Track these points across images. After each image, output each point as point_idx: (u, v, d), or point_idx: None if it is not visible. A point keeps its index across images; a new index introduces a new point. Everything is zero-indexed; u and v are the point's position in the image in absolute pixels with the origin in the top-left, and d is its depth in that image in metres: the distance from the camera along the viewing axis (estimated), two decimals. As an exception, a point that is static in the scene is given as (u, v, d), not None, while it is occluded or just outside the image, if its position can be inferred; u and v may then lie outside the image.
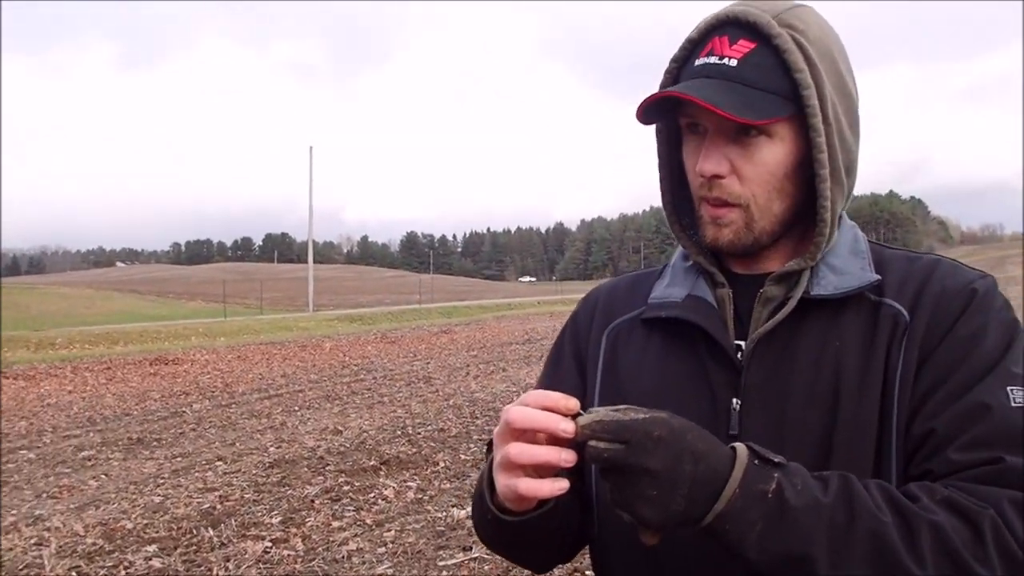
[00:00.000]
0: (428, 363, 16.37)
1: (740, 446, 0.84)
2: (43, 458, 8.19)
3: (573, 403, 0.84)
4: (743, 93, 0.94)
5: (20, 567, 4.94)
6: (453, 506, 5.91)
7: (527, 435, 0.86)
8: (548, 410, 0.84)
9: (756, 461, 0.83)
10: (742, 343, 1.01)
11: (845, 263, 1.02)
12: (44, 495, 6.74)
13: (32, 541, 5.42)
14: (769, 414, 0.97)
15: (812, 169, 0.97)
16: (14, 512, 6.20)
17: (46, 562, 4.94)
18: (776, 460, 0.84)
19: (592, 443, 0.81)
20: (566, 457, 0.84)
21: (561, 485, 0.85)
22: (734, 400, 0.99)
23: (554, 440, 0.84)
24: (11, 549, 5.27)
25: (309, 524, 5.67)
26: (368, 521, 5.71)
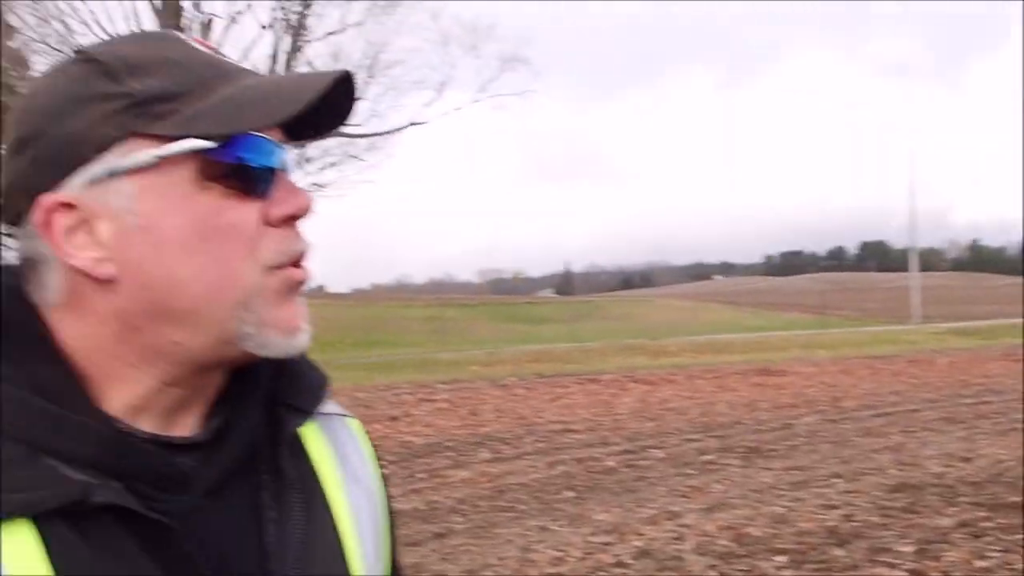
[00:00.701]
0: (1069, 386, 14.04)
1: None
2: (671, 458, 8.89)
3: None
4: None
5: (664, 558, 5.37)
6: None
7: None
8: None
9: None
10: None
11: None
12: (675, 493, 7.28)
13: (672, 535, 5.86)
14: None
15: None
16: (653, 506, 6.80)
17: (686, 556, 5.29)
18: None
19: None
20: None
21: None
22: None
23: None
24: (654, 540, 5.77)
25: (947, 559, 5.18)
26: (1020, 567, 5.00)
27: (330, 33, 19.77)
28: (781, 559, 5.26)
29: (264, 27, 18.23)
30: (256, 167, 0.73)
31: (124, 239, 0.71)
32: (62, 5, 18.13)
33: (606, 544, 5.77)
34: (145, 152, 0.70)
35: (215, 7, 18.31)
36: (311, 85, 0.72)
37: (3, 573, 0.64)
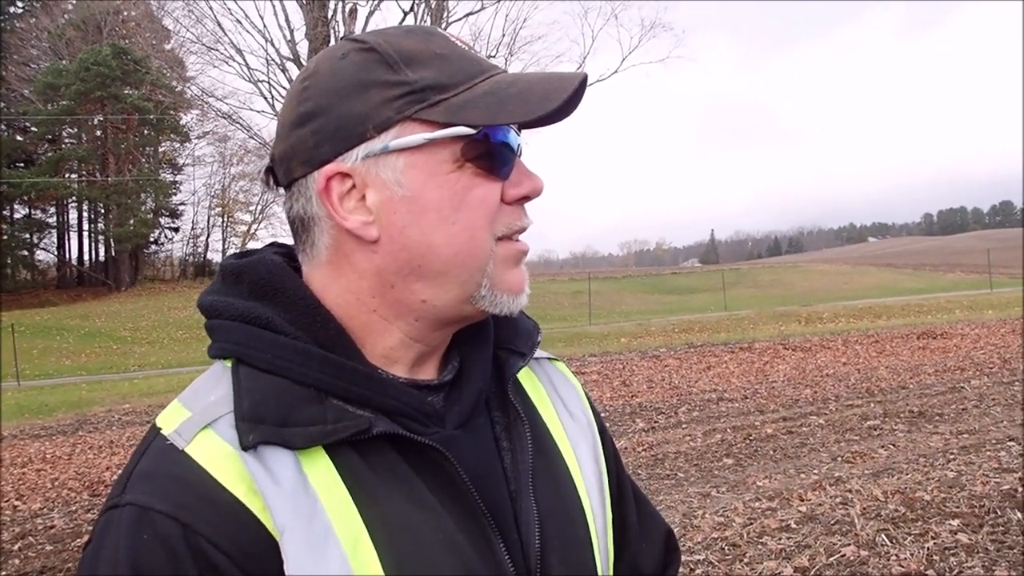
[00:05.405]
0: None
1: None
2: (832, 424, 8.75)
3: None
4: None
5: (831, 522, 5.37)
6: None
7: None
8: None
9: None
10: None
11: None
12: (839, 459, 7.20)
13: (838, 500, 5.83)
14: None
15: None
16: (816, 472, 6.76)
17: (856, 520, 5.27)
18: None
19: None
20: None
21: None
22: None
23: None
24: (820, 505, 5.76)
25: None
26: None
27: (469, 13, 20.10)
28: (954, 523, 5.17)
29: (405, 12, 18.72)
30: (504, 153, 0.83)
31: (390, 207, 0.81)
32: (215, 5, 18.56)
33: (770, 509, 5.81)
34: (418, 134, 0.80)
35: (359, -5, 18.79)
36: (560, 87, 0.81)
37: (313, 491, 0.76)
